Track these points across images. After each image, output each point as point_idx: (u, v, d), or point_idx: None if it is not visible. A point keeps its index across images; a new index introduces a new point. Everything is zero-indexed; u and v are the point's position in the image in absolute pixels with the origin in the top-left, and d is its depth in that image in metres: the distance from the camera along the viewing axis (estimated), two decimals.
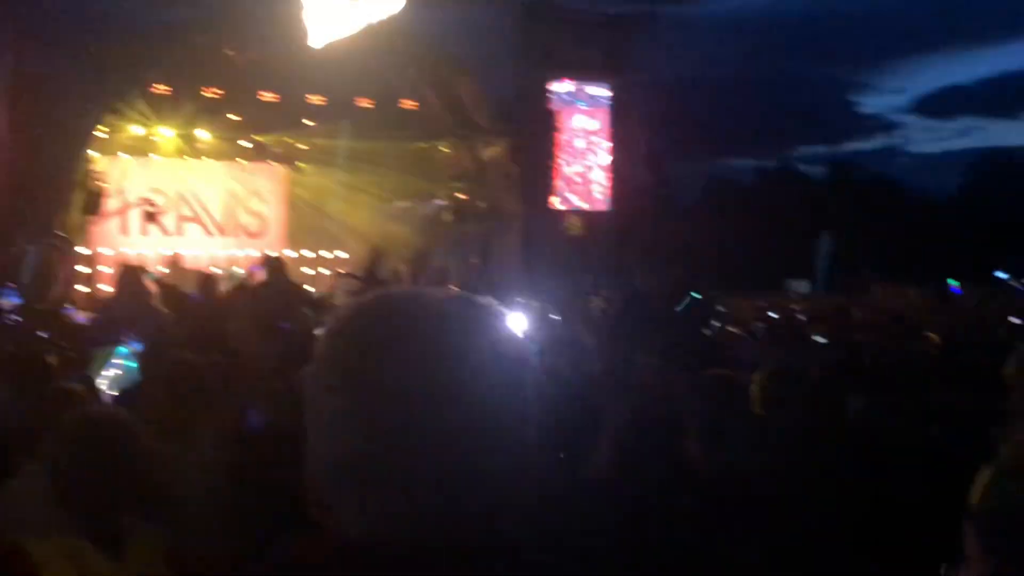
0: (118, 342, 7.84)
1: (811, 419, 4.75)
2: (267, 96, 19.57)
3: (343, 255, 21.30)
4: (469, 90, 20.89)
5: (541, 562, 1.10)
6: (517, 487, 1.04)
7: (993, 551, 2.24)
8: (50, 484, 2.62)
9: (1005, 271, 22.23)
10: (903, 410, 5.11)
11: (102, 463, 2.55)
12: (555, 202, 22.26)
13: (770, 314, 14.99)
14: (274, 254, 15.16)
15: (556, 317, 11.40)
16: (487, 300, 1.11)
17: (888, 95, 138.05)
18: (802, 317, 14.42)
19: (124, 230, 20.25)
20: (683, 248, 22.93)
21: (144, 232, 20.36)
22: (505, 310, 1.13)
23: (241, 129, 20.65)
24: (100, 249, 19.68)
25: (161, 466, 3.29)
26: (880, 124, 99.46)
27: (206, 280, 12.51)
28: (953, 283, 20.78)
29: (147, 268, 15.84)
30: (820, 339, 10.64)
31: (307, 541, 1.07)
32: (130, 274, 11.40)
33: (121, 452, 2.61)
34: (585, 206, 22.82)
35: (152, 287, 12.12)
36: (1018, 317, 13.29)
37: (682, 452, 3.96)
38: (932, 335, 9.71)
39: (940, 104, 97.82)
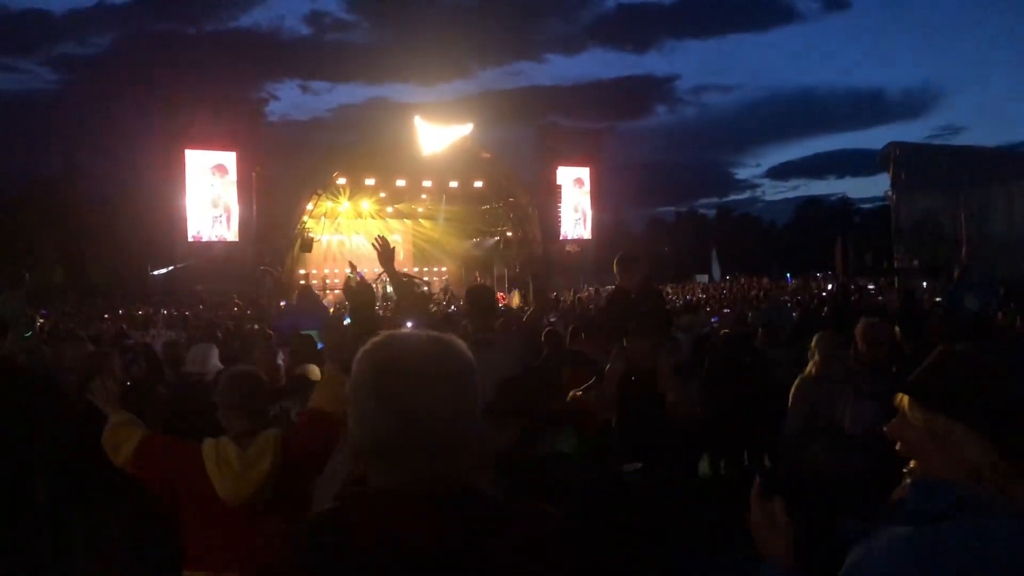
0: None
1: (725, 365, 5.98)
2: (400, 182, 30.34)
3: (443, 269, 33.28)
4: (509, 174, 32.09)
5: (501, 501, 1.36)
6: (480, 452, 1.36)
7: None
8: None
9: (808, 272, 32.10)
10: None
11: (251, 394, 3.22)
12: (561, 234, 33.63)
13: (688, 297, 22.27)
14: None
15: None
16: (448, 337, 1.38)
17: (751, 167, 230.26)
18: (702, 296, 21.72)
19: (325, 260, 32.10)
20: (638, 258, 32.58)
21: (334, 262, 32.02)
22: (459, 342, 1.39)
23: (386, 201, 32.02)
24: (312, 270, 30.99)
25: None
26: (747, 184, 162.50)
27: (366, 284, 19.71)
28: (789, 275, 31.84)
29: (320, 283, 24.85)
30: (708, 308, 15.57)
31: (358, 488, 1.34)
32: (306, 288, 13.36)
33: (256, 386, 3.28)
34: (578, 236, 34.32)
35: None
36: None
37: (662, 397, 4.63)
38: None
39: (781, 171, 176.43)
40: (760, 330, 6.63)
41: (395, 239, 32.77)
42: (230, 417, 3.23)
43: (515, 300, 22.79)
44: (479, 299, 4.61)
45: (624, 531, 3.30)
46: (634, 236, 36.00)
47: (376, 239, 4.40)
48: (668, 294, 22.79)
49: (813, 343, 4.58)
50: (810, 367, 4.56)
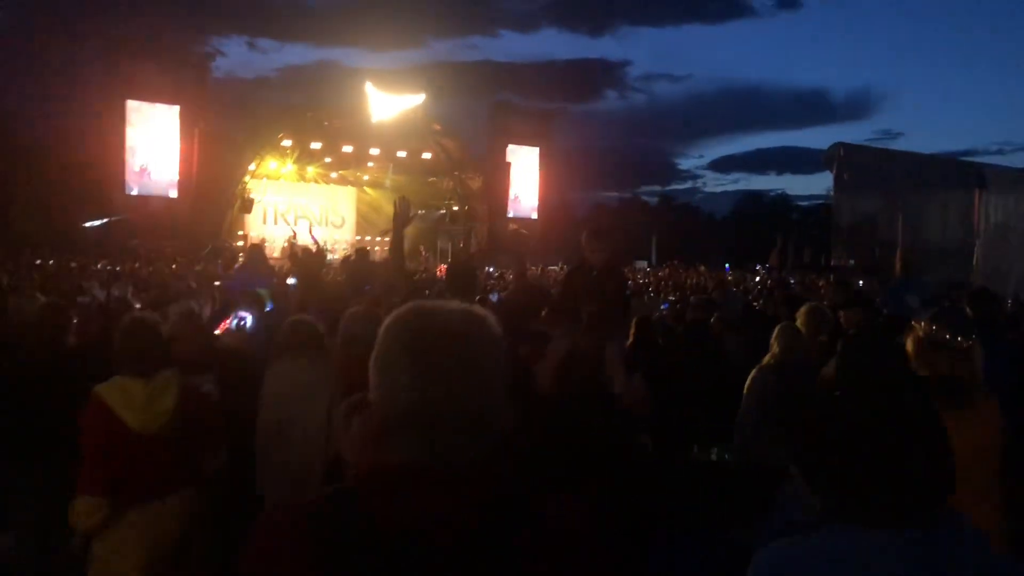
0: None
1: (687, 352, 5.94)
2: (346, 148, 30.09)
3: (387, 239, 32.77)
4: (460, 148, 32.03)
5: (526, 488, 1.29)
6: (505, 429, 1.29)
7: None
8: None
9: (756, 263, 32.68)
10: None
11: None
12: (508, 212, 33.92)
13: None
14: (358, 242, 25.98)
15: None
16: (479, 310, 1.35)
17: (694, 159, 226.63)
18: (642, 282, 21.94)
19: (264, 221, 31.72)
20: (609, 233, 32.63)
21: (275, 223, 31.67)
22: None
23: (331, 166, 31.64)
24: (252, 233, 29.84)
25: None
26: (689, 175, 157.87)
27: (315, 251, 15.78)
28: (728, 266, 32.52)
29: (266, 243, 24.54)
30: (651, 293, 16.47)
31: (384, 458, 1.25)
32: (256, 248, 12.61)
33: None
34: (524, 215, 34.50)
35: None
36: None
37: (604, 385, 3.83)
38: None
39: (723, 164, 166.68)
40: (714, 318, 6.69)
41: (338, 206, 32.99)
42: (127, 361, 3.40)
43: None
44: (461, 275, 4.64)
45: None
46: (578, 219, 36.28)
47: (399, 199, 4.82)
48: None
49: (774, 334, 4.64)
50: (768, 357, 4.63)
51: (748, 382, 4.63)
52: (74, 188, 33.44)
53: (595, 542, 1.31)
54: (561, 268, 24.07)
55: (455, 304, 1.35)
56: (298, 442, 3.96)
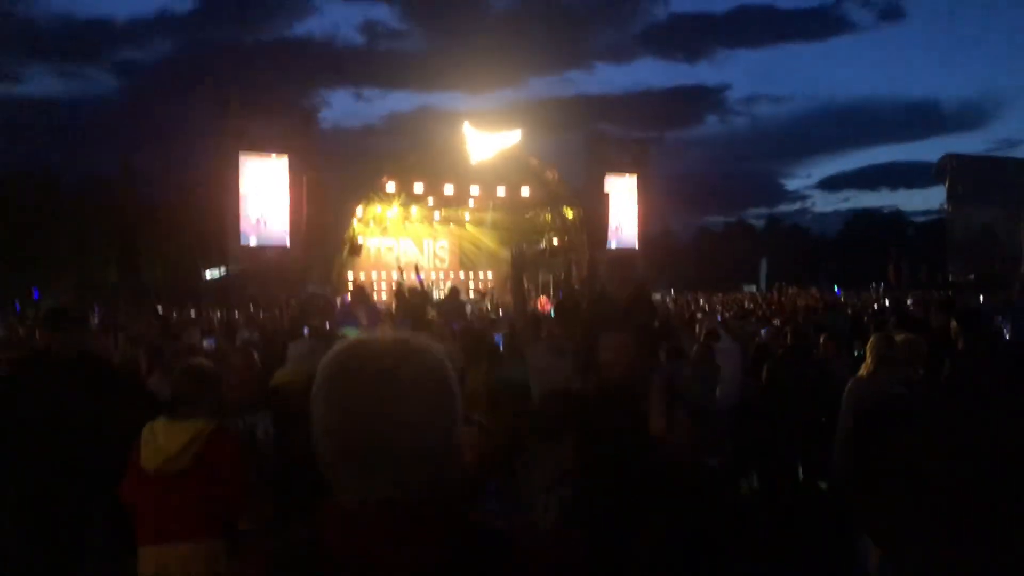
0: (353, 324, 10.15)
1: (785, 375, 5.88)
2: (448, 188, 30.30)
3: (490, 275, 33.38)
4: (557, 181, 32.10)
5: (475, 514, 1.28)
6: (449, 462, 1.24)
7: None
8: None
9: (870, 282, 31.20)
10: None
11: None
12: (609, 242, 33.68)
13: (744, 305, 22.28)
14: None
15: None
16: (418, 340, 1.31)
17: (802, 178, 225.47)
18: (749, 306, 20.90)
19: (372, 264, 32.44)
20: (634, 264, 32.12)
21: (383, 266, 32.38)
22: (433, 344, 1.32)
23: (434, 207, 32.14)
24: (360, 276, 30.38)
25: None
26: (797, 195, 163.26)
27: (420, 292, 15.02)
28: (837, 288, 30.75)
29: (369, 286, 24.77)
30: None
31: (333, 505, 1.23)
32: (360, 290, 14.54)
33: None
34: (626, 245, 34.35)
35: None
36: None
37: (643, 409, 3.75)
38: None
39: (832, 183, 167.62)
40: (822, 340, 6.53)
41: (441, 245, 33.66)
42: (173, 403, 3.60)
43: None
44: (567, 309, 4.94)
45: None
46: (682, 246, 35.86)
47: (514, 247, 4.86)
48: (710, 302, 23.29)
49: (868, 345, 4.57)
50: (863, 368, 4.56)
51: (844, 396, 4.56)
52: (194, 240, 35.50)
53: None
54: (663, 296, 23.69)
55: (391, 338, 1.32)
56: None
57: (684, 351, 5.62)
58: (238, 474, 3.57)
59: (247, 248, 28.92)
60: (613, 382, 3.70)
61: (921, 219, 74.30)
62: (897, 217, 78.94)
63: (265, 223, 29.36)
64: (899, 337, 4.99)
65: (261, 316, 16.98)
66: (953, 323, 5.40)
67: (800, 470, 5.67)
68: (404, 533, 1.18)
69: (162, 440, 3.45)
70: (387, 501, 1.20)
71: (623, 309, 5.30)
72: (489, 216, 32.80)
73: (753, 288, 34.12)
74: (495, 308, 24.33)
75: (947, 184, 17.78)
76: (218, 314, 18.66)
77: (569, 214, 32.82)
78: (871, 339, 4.67)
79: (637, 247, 34.37)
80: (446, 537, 1.20)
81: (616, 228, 34.10)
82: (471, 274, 33.27)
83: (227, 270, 28.60)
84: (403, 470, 1.21)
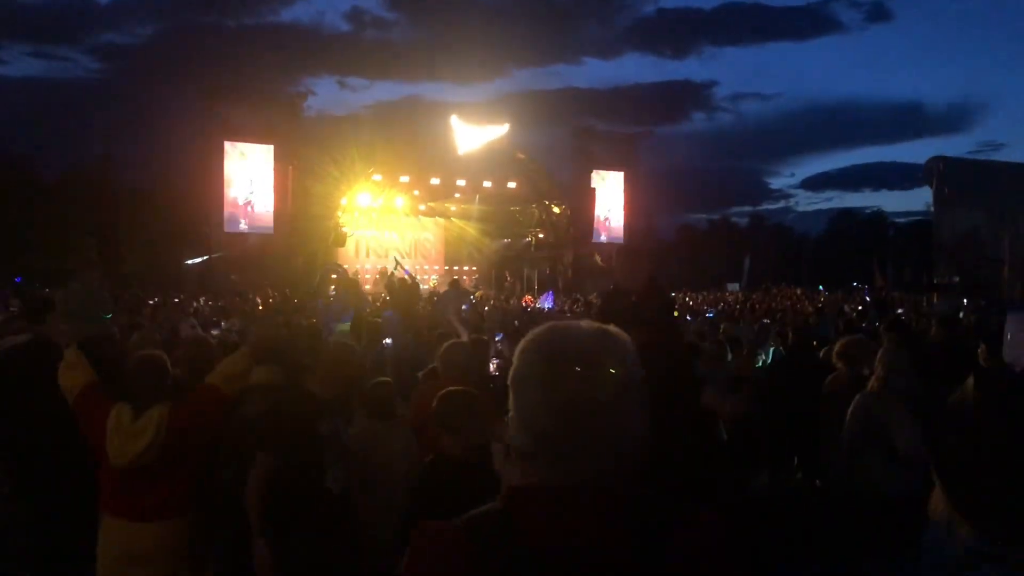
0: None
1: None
2: (434, 180, 30.23)
3: (474, 268, 33.33)
4: (544, 176, 32.08)
5: (670, 504, 1.27)
6: (640, 446, 1.26)
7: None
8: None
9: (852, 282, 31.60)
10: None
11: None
12: (595, 237, 33.64)
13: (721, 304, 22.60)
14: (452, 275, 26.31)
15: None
16: (612, 328, 1.32)
17: (786, 177, 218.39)
18: (737, 305, 20.32)
19: (356, 255, 32.19)
20: (644, 252, 31.13)
21: (366, 256, 32.29)
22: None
23: (420, 199, 32.09)
24: (345, 265, 29.95)
25: None
26: (781, 194, 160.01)
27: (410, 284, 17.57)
28: (822, 287, 31.61)
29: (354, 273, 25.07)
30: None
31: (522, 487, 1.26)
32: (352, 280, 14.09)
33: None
34: (611, 240, 34.12)
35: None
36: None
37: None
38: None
39: (815, 183, 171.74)
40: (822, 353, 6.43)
41: (427, 237, 33.64)
42: (138, 392, 3.59)
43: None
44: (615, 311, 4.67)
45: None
46: (666, 242, 35.92)
47: None
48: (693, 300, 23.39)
49: (878, 357, 4.48)
50: (872, 381, 4.47)
51: (851, 407, 4.49)
52: (176, 227, 35.09)
53: (736, 557, 1.30)
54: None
55: (588, 324, 1.34)
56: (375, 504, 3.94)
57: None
58: (206, 434, 3.67)
59: (229, 235, 28.64)
60: None
61: (902, 220, 75.04)
62: (879, 218, 79.47)
63: (250, 209, 29.10)
64: (847, 339, 5.20)
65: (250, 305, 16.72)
66: (982, 347, 5.42)
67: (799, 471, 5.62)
68: (595, 515, 1.21)
69: (127, 438, 3.47)
70: (585, 483, 1.23)
71: (633, 304, 5.24)
72: (475, 209, 32.70)
73: (736, 287, 34.24)
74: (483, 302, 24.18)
75: (934, 186, 17.87)
76: (201, 300, 18.38)
77: (556, 210, 32.83)
78: (880, 351, 4.58)
79: (622, 242, 34.14)
80: (633, 520, 1.22)
81: (605, 221, 34.11)
82: (455, 268, 33.14)
83: (209, 257, 28.34)
84: (598, 456, 1.23)
